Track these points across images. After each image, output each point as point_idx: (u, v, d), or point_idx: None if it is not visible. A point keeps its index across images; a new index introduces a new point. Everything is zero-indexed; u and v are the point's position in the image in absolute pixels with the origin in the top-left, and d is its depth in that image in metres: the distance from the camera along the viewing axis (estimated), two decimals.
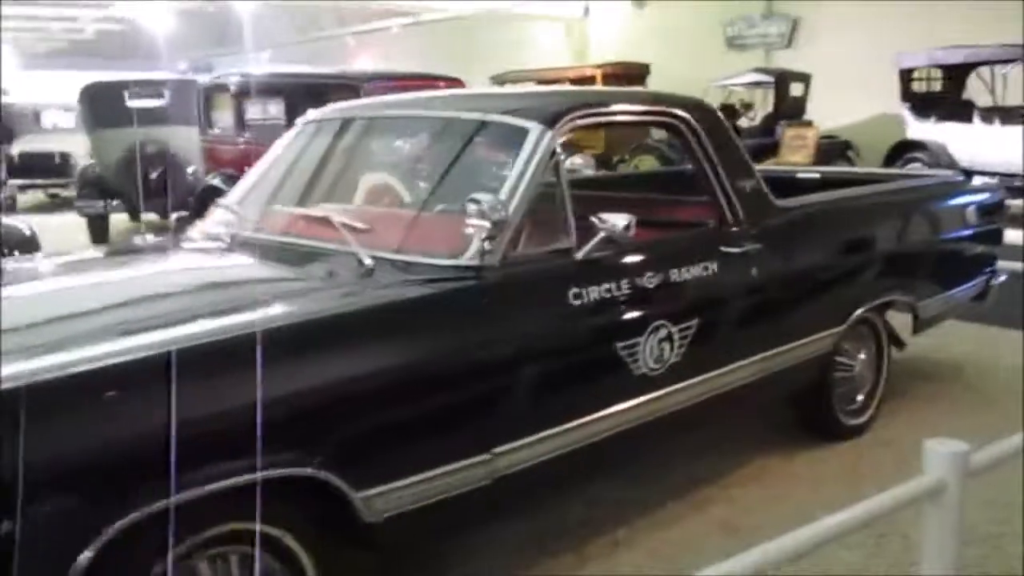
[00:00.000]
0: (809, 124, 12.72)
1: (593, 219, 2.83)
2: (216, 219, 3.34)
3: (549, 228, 2.83)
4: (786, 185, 4.63)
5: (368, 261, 2.63)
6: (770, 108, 14.00)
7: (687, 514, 3.41)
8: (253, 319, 2.21)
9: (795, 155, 11.84)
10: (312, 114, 3.65)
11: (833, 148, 12.34)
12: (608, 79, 14.04)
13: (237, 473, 2.04)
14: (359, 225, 2.81)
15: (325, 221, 2.89)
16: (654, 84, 13.72)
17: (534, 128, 2.88)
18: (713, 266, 3.20)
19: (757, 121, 14.29)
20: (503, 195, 2.71)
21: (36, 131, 15.58)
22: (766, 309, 3.45)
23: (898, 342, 4.30)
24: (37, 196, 14.59)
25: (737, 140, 3.59)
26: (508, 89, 3.93)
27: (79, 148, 12.71)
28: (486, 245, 2.59)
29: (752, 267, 3.36)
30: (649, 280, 2.96)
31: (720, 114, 3.56)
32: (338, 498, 2.23)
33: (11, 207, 13.37)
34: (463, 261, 2.61)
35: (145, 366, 2.01)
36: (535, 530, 3.19)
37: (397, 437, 2.37)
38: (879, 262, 4.07)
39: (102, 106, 11.70)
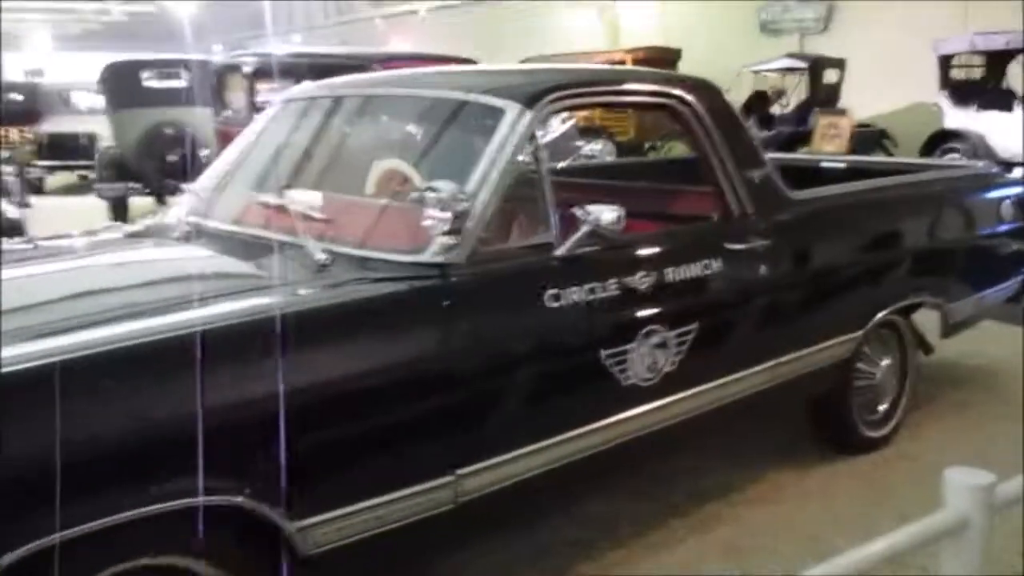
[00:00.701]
0: (843, 112, 12.26)
1: (576, 211, 2.54)
2: (182, 206, 3.09)
3: (527, 221, 2.56)
4: (809, 175, 4.31)
5: (319, 256, 2.36)
6: (804, 95, 13.64)
7: (689, 535, 3.12)
8: (173, 322, 1.96)
9: (829, 144, 11.41)
10: (289, 92, 3.38)
11: (868, 137, 11.87)
12: (639, 64, 13.68)
13: (148, 502, 1.79)
14: (317, 216, 2.55)
15: (285, 210, 2.62)
16: (685, 70, 13.34)
17: (511, 108, 2.59)
18: (715, 264, 2.89)
19: (790, 109, 13.92)
20: (472, 183, 2.43)
21: (65, 112, 15.59)
22: (776, 312, 3.14)
23: (926, 346, 3.97)
24: (68, 178, 14.51)
25: (746, 125, 3.26)
26: (497, 66, 3.55)
27: (106, 129, 12.68)
28: (449, 240, 2.31)
29: (760, 265, 3.04)
30: (641, 280, 2.66)
31: (726, 96, 3.23)
32: (272, 529, 1.98)
33: (39, 189, 13.37)
34: (424, 258, 2.33)
35: (34, 376, 1.75)
36: (513, 556, 2.92)
37: (343, 458, 2.10)
38: (905, 260, 3.73)
39: (120, 87, 11.63)
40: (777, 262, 3.10)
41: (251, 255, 2.58)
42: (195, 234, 2.81)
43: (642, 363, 2.66)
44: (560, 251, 2.52)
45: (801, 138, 12.06)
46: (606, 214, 2.51)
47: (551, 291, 2.45)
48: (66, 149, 14.20)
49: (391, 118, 2.94)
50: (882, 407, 3.82)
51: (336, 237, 2.49)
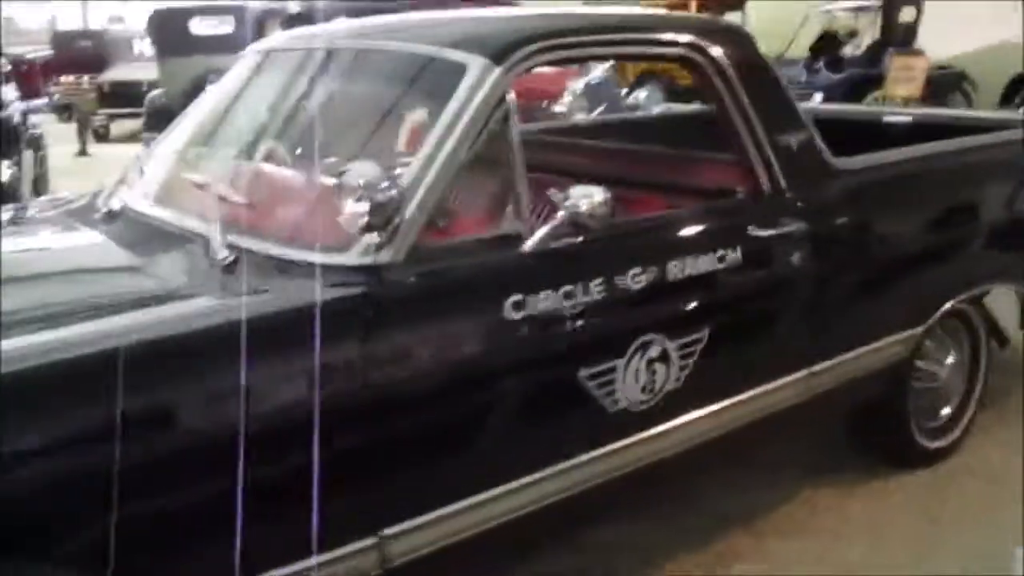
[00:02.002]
0: (919, 53, 11.28)
1: (553, 194, 2.01)
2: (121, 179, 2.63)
3: (490, 206, 2.04)
4: (867, 131, 3.68)
5: (223, 254, 1.89)
6: (877, 35, 12.67)
7: (702, 573, 2.63)
8: None
9: (902, 88, 10.49)
10: (258, 44, 2.87)
11: (945, 80, 10.92)
12: (703, 8, 12.83)
13: None
14: (234, 198, 2.07)
15: (204, 192, 2.15)
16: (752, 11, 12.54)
17: (474, 64, 2.05)
18: (735, 255, 2.33)
19: (862, 50, 12.97)
20: (417, 162, 1.92)
21: (131, 60, 15.39)
22: (814, 311, 2.57)
23: (1001, 338, 3.34)
24: (128, 126, 14.32)
25: (782, 79, 2.65)
26: (477, 12, 2.92)
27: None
28: (375, 238, 1.81)
29: (794, 254, 2.47)
30: (635, 279, 2.13)
31: (757, 44, 2.62)
32: None
33: (103, 137, 13.21)
34: (345, 259, 1.84)
35: None
36: None
37: (227, 526, 1.64)
38: (978, 239, 3.10)
39: (168, 34, 11.39)
40: (816, 250, 2.51)
41: (149, 249, 2.12)
42: (114, 215, 2.36)
43: (635, 382, 2.14)
44: (529, 245, 2.00)
45: (872, 80, 11.15)
46: (589, 198, 1.98)
47: (513, 298, 1.94)
48: (128, 97, 13.98)
49: (347, 78, 2.40)
50: (945, 411, 3.23)
51: (251, 227, 2.01)
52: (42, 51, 17.66)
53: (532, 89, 6.60)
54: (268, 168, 2.27)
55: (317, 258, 1.84)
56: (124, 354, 1.48)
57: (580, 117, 6.63)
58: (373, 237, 1.80)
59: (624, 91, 6.92)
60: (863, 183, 2.72)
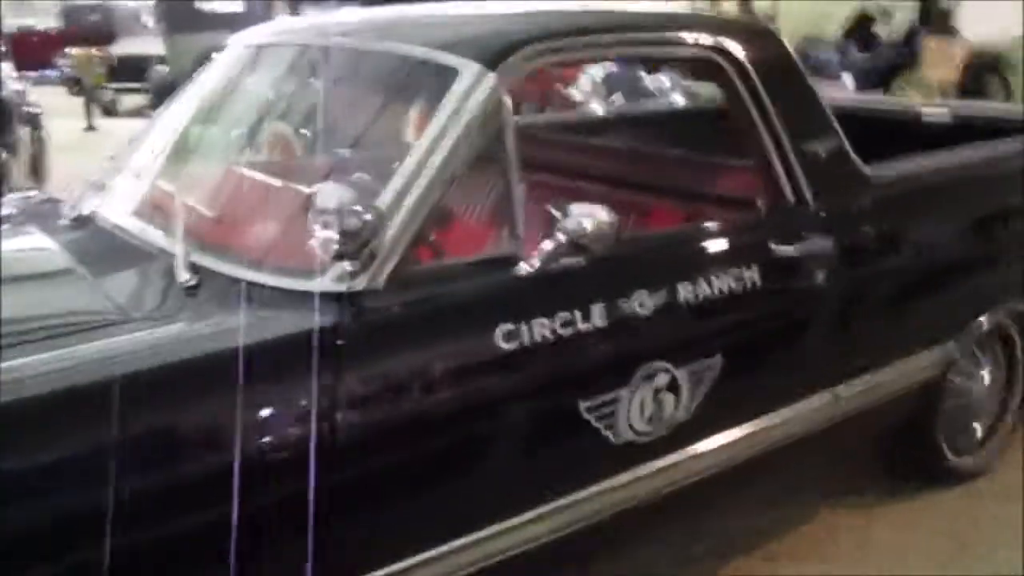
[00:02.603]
0: (956, 36, 10.88)
1: (552, 211, 1.83)
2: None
3: (481, 227, 1.86)
4: (902, 129, 3.45)
5: (184, 276, 1.73)
6: (913, 16, 12.23)
7: None
8: None
9: (937, 71, 10.14)
10: (239, 36, 2.68)
11: (983, 65, 10.52)
12: None
13: None
14: (204, 212, 1.90)
15: (172, 203, 1.98)
16: None
17: (467, 69, 1.87)
18: (753, 274, 2.14)
19: (895, 32, 12.55)
20: (398, 179, 1.75)
21: (142, 33, 15.24)
22: (840, 330, 2.38)
23: None
24: (137, 100, 14.22)
25: (809, 81, 2.44)
26: (477, 5, 2.68)
27: None
28: (346, 266, 1.64)
29: (818, 272, 2.27)
30: (641, 304, 1.95)
31: (784, 42, 2.41)
32: None
33: (111, 111, 13.12)
34: (317, 286, 1.67)
35: None
36: None
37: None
38: (1017, 249, 2.88)
39: (174, 10, 11.20)
40: (844, 266, 2.31)
41: (108, 265, 1.94)
42: (81, 222, 2.20)
43: (641, 412, 1.97)
44: (524, 268, 1.83)
45: (906, 64, 10.76)
46: (592, 218, 1.79)
47: (504, 327, 1.76)
48: (135, 71, 13.85)
49: (331, 82, 2.20)
50: (977, 428, 3.02)
51: (219, 245, 1.85)
52: (52, 23, 17.56)
53: (545, 75, 6.44)
54: (239, 179, 2.10)
55: (286, 283, 1.67)
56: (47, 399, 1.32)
57: (595, 104, 6.47)
58: (346, 266, 1.63)
59: (644, 75, 6.68)
60: (896, 193, 2.51)
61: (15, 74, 6.91)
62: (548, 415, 1.87)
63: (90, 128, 11.64)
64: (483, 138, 1.83)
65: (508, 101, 1.88)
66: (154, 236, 1.95)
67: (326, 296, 1.65)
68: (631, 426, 1.96)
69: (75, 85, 13.52)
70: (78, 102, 12.40)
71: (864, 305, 2.43)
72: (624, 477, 2.00)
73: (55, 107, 11.88)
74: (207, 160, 2.21)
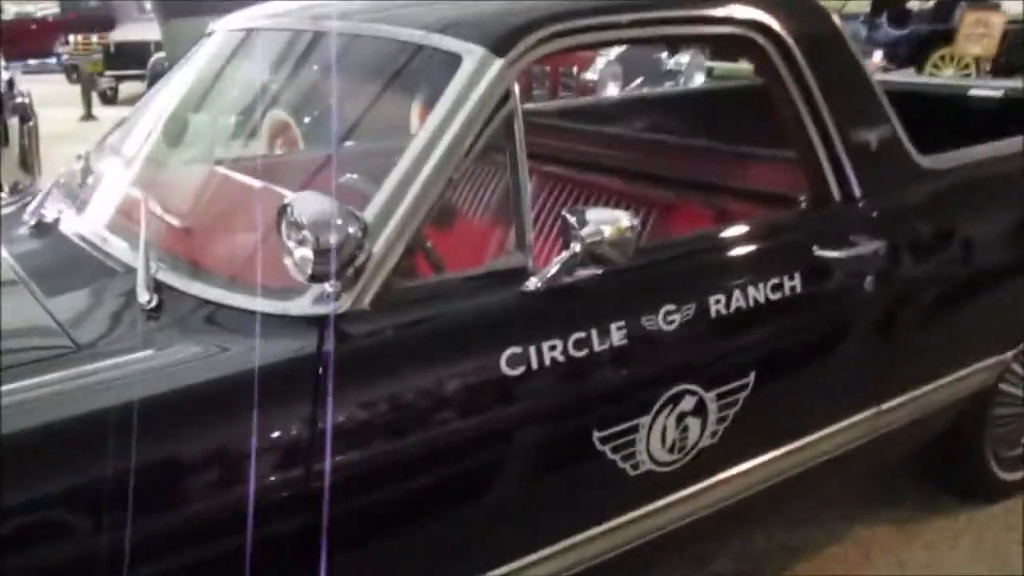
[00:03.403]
0: (996, 7, 10.43)
1: (567, 216, 1.59)
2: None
3: (484, 234, 1.62)
4: (949, 108, 3.17)
5: (144, 298, 1.51)
6: None
7: None
8: None
9: (975, 45, 9.71)
10: (225, 20, 2.43)
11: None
12: None
13: None
14: (172, 221, 1.68)
15: (143, 212, 1.75)
16: None
17: (471, 55, 1.63)
18: (794, 283, 1.90)
19: (931, 3, 12.09)
20: (391, 184, 1.52)
21: (139, 19, 14.97)
22: (886, 341, 2.13)
23: None
24: (137, 88, 13.99)
25: (860, 60, 2.17)
26: None
27: None
28: (326, 287, 1.42)
29: (866, 277, 2.02)
30: (667, 318, 1.71)
31: (831, 15, 2.14)
32: None
33: (111, 99, 12.89)
34: (294, 308, 1.45)
35: None
36: None
37: None
38: None
39: None
40: (894, 270, 2.06)
41: (62, 283, 1.72)
42: (42, 229, 1.99)
43: (663, 441, 1.74)
44: (534, 282, 1.60)
45: (941, 37, 10.33)
46: (611, 225, 1.56)
47: (510, 350, 1.54)
48: (134, 58, 13.58)
49: (323, 71, 1.96)
50: None
51: (188, 259, 1.63)
52: (50, 9, 17.32)
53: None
54: (214, 182, 1.87)
55: (258, 306, 1.45)
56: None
57: (612, 88, 6.16)
58: (326, 288, 1.40)
59: (664, 55, 6.34)
60: (953, 185, 2.25)
61: (3, 63, 6.68)
62: (557, 448, 1.64)
63: (88, 117, 11.41)
64: (488, 133, 1.60)
65: (516, 90, 1.64)
66: (119, 248, 1.73)
67: (303, 320, 1.43)
68: (651, 456, 1.74)
69: (74, 73, 13.32)
70: (78, 90, 12.20)
71: (914, 313, 2.18)
72: (641, 511, 1.77)
73: (54, 96, 11.69)
74: (181, 160, 1.98)
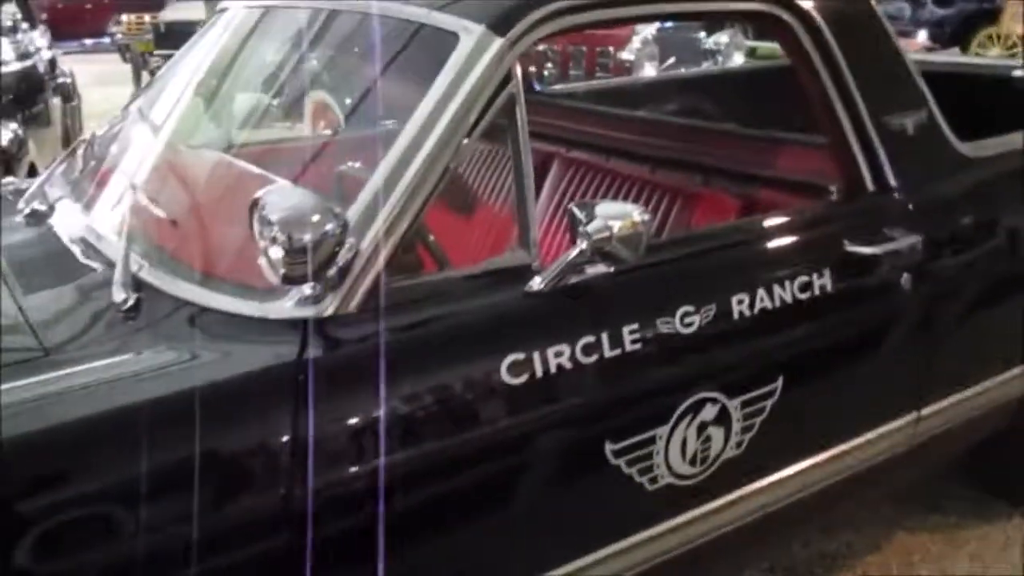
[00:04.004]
0: None
1: (574, 210, 1.47)
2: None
3: (484, 229, 1.51)
4: (992, 91, 2.98)
5: (119, 297, 1.41)
6: None
7: None
8: None
9: (1021, 25, 9.36)
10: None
11: None
12: None
13: None
14: (157, 213, 1.58)
15: (128, 203, 1.66)
16: None
17: (468, 34, 1.50)
18: (824, 282, 1.75)
19: None
20: (380, 176, 1.40)
21: None
22: (926, 343, 1.98)
23: None
24: None
25: (895, 38, 2.01)
26: None
27: None
28: (305, 289, 1.32)
29: (903, 274, 1.87)
30: (686, 321, 1.58)
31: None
32: None
33: None
34: (275, 311, 1.34)
35: None
36: None
37: None
38: None
39: None
40: (934, 266, 1.92)
41: (47, 278, 1.63)
42: (36, 218, 1.90)
43: (682, 453, 1.62)
44: (538, 282, 1.48)
45: (985, 16, 9.97)
46: (621, 219, 1.43)
47: (512, 357, 1.42)
48: (183, 37, 13.61)
49: (313, 50, 1.86)
50: None
51: (173, 254, 1.53)
52: None
53: (592, 35, 5.95)
54: (202, 169, 1.77)
55: (238, 308, 1.35)
56: None
57: (649, 68, 5.98)
58: (305, 291, 1.30)
59: (702, 34, 6.15)
60: (996, 174, 2.09)
61: (45, 43, 6.65)
62: (566, 463, 1.52)
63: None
64: (488, 118, 1.48)
65: (518, 72, 1.52)
66: (108, 243, 1.63)
67: (287, 324, 1.33)
68: (670, 469, 1.61)
69: (127, 52, 13.37)
70: (130, 69, 12.26)
71: (955, 312, 2.02)
72: (661, 527, 1.65)
73: (109, 75, 11.76)
74: (180, 146, 1.87)
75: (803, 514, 1.96)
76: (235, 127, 1.91)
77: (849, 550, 2.41)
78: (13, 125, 4.34)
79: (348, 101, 1.79)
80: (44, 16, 10.39)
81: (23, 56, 5.86)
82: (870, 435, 1.94)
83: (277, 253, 1.21)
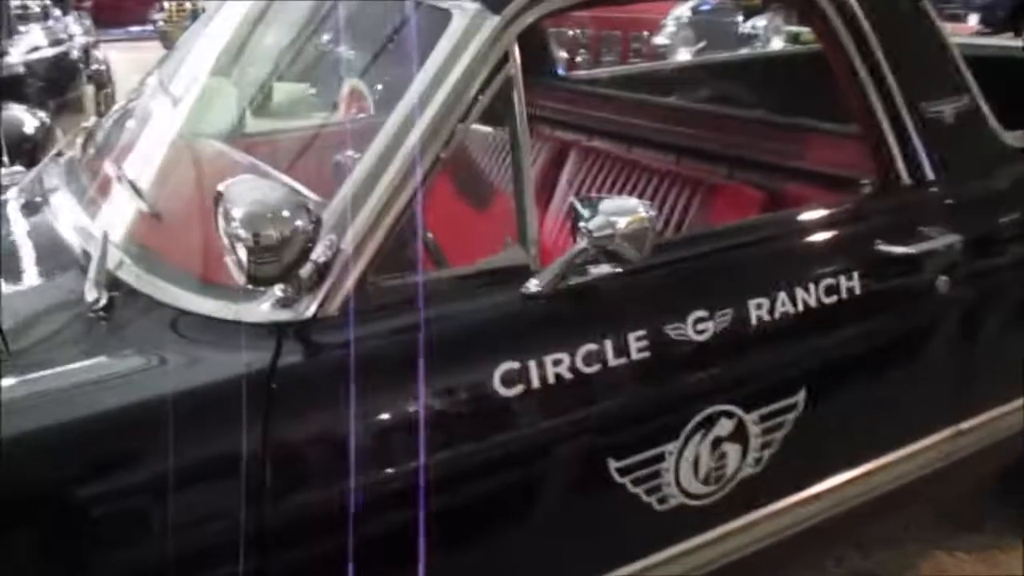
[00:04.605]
0: None
1: (575, 205, 1.36)
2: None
3: (477, 225, 1.40)
4: None
5: (92, 296, 1.32)
6: None
7: None
8: None
9: None
10: None
11: None
12: None
13: None
14: (143, 206, 1.49)
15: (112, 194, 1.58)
16: None
17: (461, 12, 1.39)
18: (853, 284, 1.61)
19: None
20: (364, 167, 1.30)
21: None
22: (964, 351, 1.83)
23: None
24: None
25: (935, 19, 1.86)
26: None
27: None
28: (276, 291, 1.22)
29: (940, 277, 1.73)
30: (699, 327, 1.46)
31: None
32: None
33: None
34: (243, 314, 1.24)
35: None
36: None
37: None
38: None
39: None
40: (974, 268, 1.77)
41: (30, 274, 1.56)
42: (32, 208, 1.83)
43: (694, 471, 1.50)
44: (536, 284, 1.36)
45: None
46: (626, 216, 1.31)
47: (506, 366, 1.31)
48: None
49: (301, 27, 1.76)
50: None
51: (154, 251, 1.45)
52: None
53: (624, 19, 5.80)
54: (190, 159, 1.67)
55: (210, 310, 1.26)
56: None
57: (684, 53, 5.80)
58: (277, 292, 1.20)
59: (740, 17, 5.95)
60: None
61: (80, 30, 6.65)
62: (566, 482, 1.41)
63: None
64: (481, 103, 1.36)
65: (517, 54, 1.40)
66: (92, 235, 1.54)
67: (265, 328, 1.23)
68: (681, 488, 1.49)
69: (168, 40, 13.44)
70: None
71: (997, 318, 1.88)
72: (671, 551, 1.53)
73: (147, 63, 11.73)
74: (167, 133, 1.78)
75: (827, 536, 1.83)
76: (227, 115, 1.82)
77: (884, 569, 2.28)
78: (42, 113, 4.31)
79: (338, 86, 1.68)
80: (88, 4, 10.42)
81: (56, 42, 5.86)
82: (903, 452, 1.80)
83: (243, 252, 1.11)
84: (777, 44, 6.03)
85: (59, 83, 5.50)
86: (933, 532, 2.38)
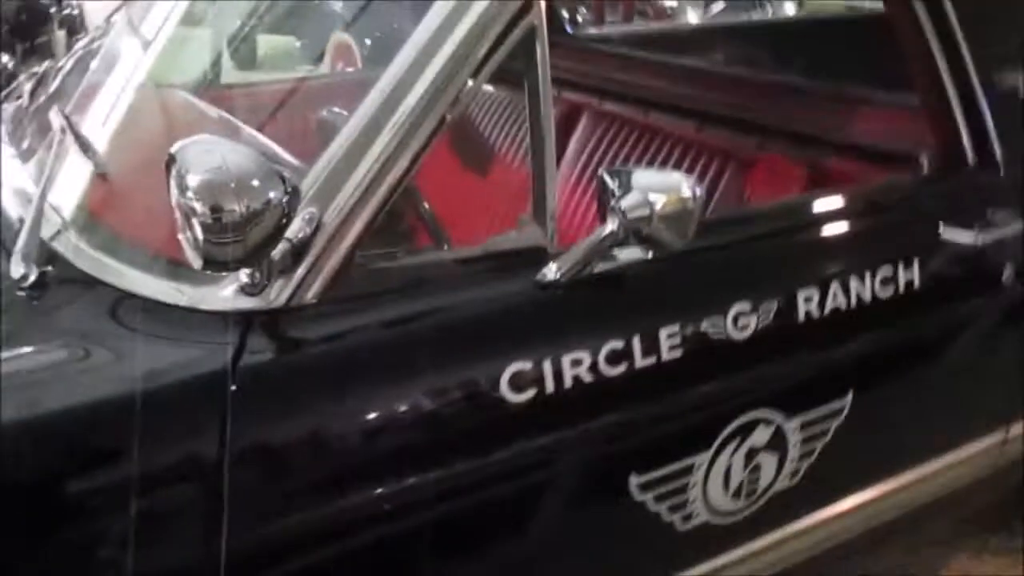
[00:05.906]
0: None
1: (605, 177, 1.14)
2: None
3: (487, 200, 1.19)
4: None
5: (18, 272, 1.11)
6: None
7: None
8: None
9: None
10: None
11: None
12: None
13: None
14: (84, 169, 1.28)
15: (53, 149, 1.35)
16: None
17: None
18: (911, 275, 1.41)
19: None
20: (350, 133, 1.08)
21: None
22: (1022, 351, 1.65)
23: None
24: None
25: None
26: None
27: None
28: (243, 277, 1.01)
29: (1006, 267, 1.53)
30: (740, 323, 1.26)
31: None
32: None
33: None
34: (202, 300, 1.03)
35: None
36: None
37: None
38: None
39: None
40: None
41: None
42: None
43: (725, 485, 1.30)
44: (554, 270, 1.15)
45: None
46: (665, 194, 1.10)
47: (516, 366, 1.10)
48: None
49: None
50: None
51: (103, 220, 1.23)
52: None
53: None
54: (153, 110, 1.45)
55: (163, 294, 1.04)
56: None
57: (692, 16, 5.54)
58: (242, 277, 0.99)
59: None
60: None
61: None
62: (580, 499, 1.21)
63: None
64: (497, 57, 1.14)
65: (542, 3, 1.18)
66: (29, 199, 1.32)
67: (228, 317, 1.02)
68: (708, 505, 1.30)
69: None
70: None
71: None
72: (693, 572, 1.35)
73: None
74: (134, 79, 1.55)
75: (859, 554, 1.65)
76: (200, 62, 1.59)
77: (904, 572, 2.12)
78: (6, 57, 4.06)
79: (337, 35, 1.46)
80: None
81: None
82: (948, 459, 1.62)
83: (198, 229, 0.89)
84: (789, 7, 5.79)
85: (27, 28, 5.22)
86: (962, 536, 2.23)
